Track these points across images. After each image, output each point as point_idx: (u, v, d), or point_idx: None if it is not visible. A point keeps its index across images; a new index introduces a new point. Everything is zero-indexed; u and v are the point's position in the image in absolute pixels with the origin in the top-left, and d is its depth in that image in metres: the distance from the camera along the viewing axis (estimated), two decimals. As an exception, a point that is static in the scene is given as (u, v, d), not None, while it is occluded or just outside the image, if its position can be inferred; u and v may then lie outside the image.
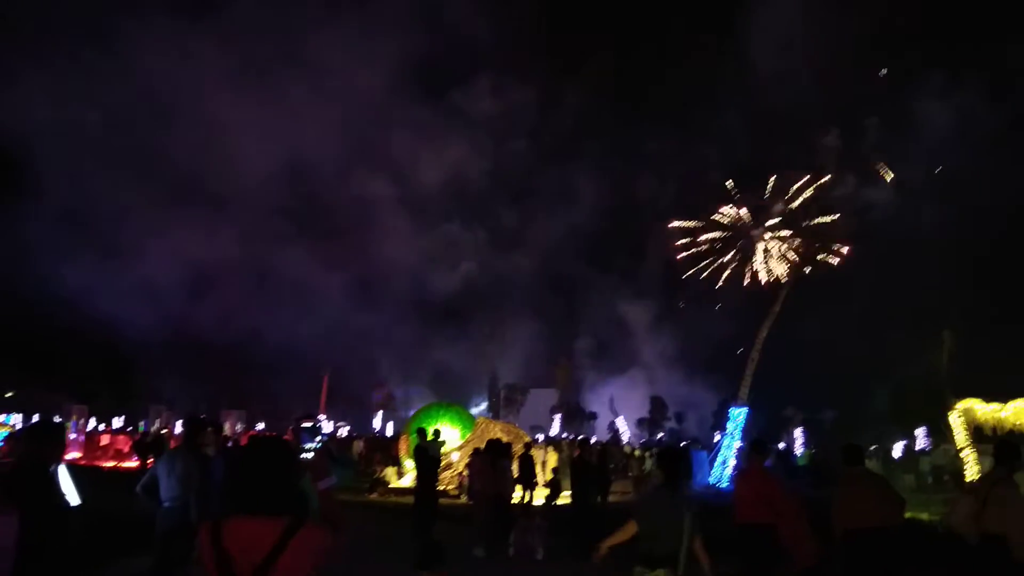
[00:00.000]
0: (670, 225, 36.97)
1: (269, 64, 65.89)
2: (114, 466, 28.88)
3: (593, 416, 57.24)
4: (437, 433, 16.17)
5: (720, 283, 35.20)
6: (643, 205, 68.01)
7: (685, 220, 36.12)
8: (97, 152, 56.57)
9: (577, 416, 57.17)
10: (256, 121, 60.85)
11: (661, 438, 51.77)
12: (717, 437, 35.72)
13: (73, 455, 29.15)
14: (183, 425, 8.11)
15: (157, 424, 43.63)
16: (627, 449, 31.22)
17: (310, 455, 6.02)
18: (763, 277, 32.72)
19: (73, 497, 6.25)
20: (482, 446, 16.67)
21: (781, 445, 35.68)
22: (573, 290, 67.01)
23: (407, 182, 64.75)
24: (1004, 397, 23.86)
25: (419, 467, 13.77)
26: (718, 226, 34.80)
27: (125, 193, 54.86)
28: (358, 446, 32.94)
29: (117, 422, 43.93)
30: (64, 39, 61.07)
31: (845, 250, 31.87)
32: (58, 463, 5.41)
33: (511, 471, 13.48)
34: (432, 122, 67.16)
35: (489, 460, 12.61)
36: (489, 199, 66.90)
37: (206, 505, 7.00)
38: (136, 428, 42.29)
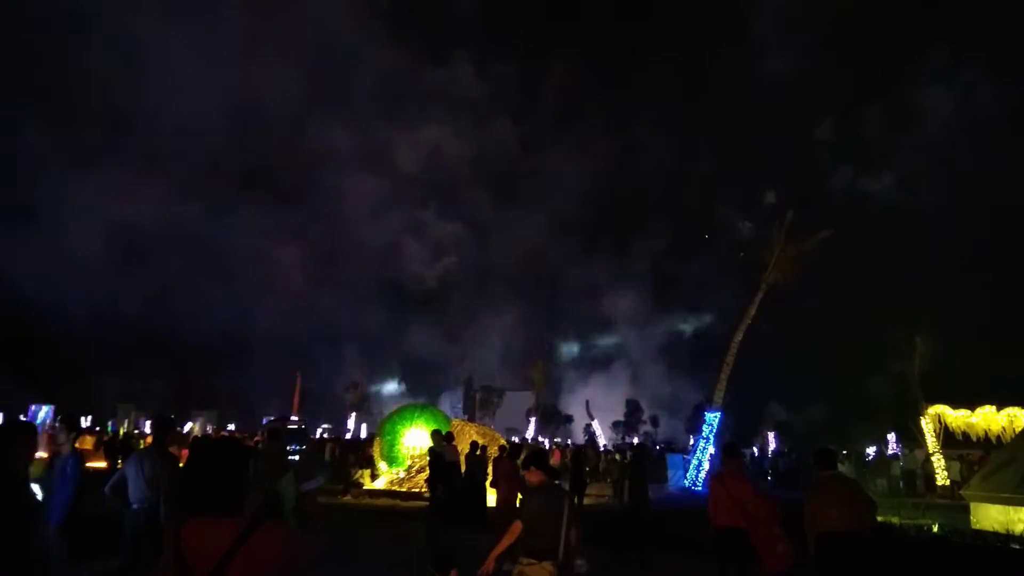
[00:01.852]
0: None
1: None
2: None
3: (569, 419, 57.24)
4: (450, 436, 15.51)
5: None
6: (634, 193, 65.95)
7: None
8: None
9: (553, 419, 57.17)
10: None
11: (631, 440, 51.85)
12: (692, 441, 35.94)
13: (40, 455, 28.54)
14: (152, 425, 7.98)
15: (126, 424, 42.99)
16: (616, 456, 31.05)
17: (296, 457, 5.98)
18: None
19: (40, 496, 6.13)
20: (459, 448, 16.57)
21: (755, 449, 35.94)
22: (554, 287, 65.72)
23: (382, 165, 62.02)
24: (972, 402, 24.24)
25: (433, 471, 13.25)
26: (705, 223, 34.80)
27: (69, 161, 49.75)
28: (331, 447, 32.65)
29: (84, 422, 43.17)
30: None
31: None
32: (29, 464, 5.33)
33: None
34: (407, 102, 64.19)
35: (514, 467, 12.01)
36: (468, 187, 64.00)
37: (175, 506, 6.90)
38: (104, 428, 41.63)
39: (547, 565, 5.47)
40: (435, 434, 15.14)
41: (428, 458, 14.36)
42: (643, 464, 13.83)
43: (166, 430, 7.81)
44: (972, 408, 24.07)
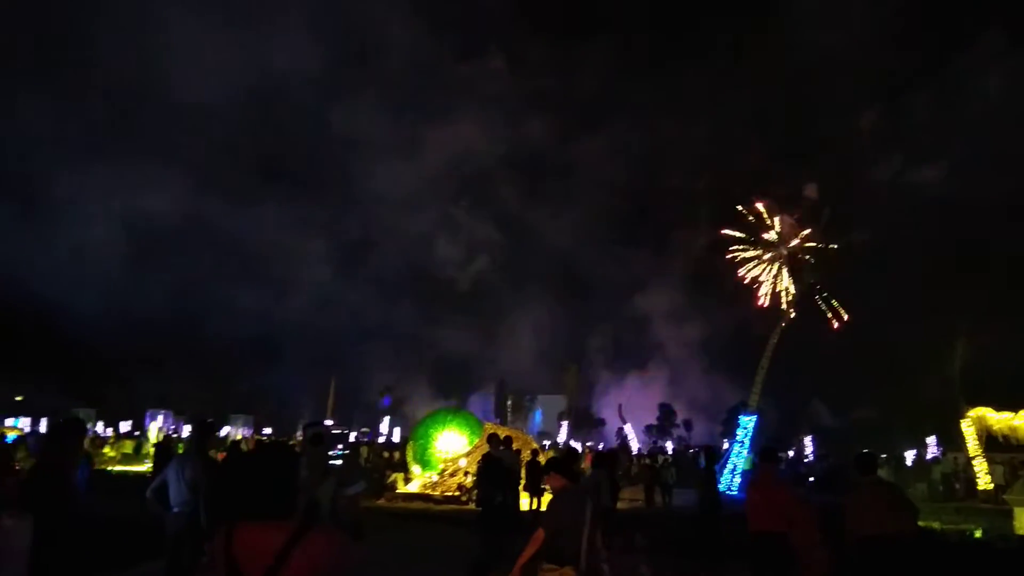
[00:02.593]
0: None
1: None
2: (122, 471, 28.91)
3: (601, 423, 56.86)
4: (509, 440, 14.80)
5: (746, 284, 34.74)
6: (670, 188, 63.46)
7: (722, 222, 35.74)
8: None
9: (585, 423, 56.86)
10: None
11: (664, 444, 51.34)
12: (726, 445, 35.56)
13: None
14: (192, 430, 8.12)
15: (165, 428, 43.72)
16: (647, 461, 30.82)
17: (338, 462, 6.00)
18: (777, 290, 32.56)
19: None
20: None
21: (790, 452, 35.47)
22: (588, 288, 64.14)
23: (413, 161, 60.72)
24: (1017, 405, 23.67)
25: (485, 476, 12.41)
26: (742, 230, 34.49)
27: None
28: (364, 452, 32.94)
29: (124, 426, 43.99)
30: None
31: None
32: (77, 467, 5.48)
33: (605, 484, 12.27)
34: (439, 95, 62.66)
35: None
36: (500, 182, 61.68)
37: (215, 510, 6.98)
38: (144, 432, 42.38)
39: (568, 570, 5.41)
40: (491, 438, 14.86)
41: (480, 464, 14.03)
42: (715, 468, 13.43)
43: (206, 434, 7.93)
44: (1016, 411, 23.51)
